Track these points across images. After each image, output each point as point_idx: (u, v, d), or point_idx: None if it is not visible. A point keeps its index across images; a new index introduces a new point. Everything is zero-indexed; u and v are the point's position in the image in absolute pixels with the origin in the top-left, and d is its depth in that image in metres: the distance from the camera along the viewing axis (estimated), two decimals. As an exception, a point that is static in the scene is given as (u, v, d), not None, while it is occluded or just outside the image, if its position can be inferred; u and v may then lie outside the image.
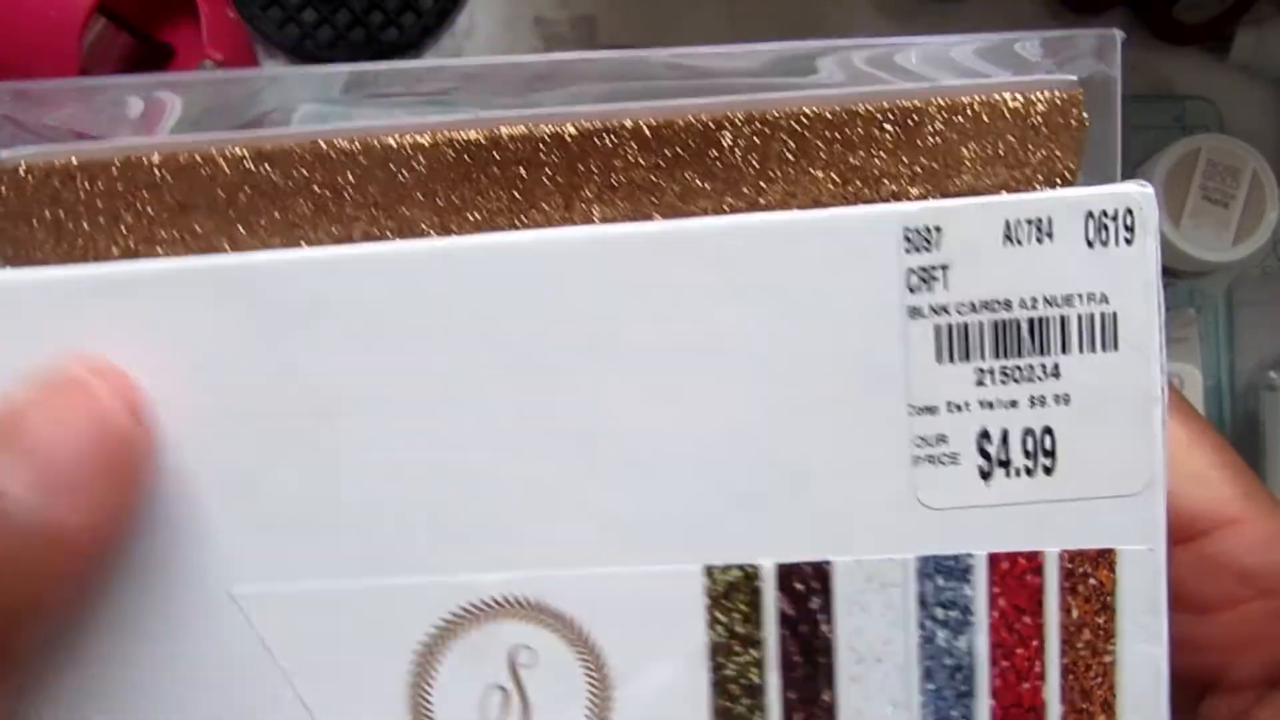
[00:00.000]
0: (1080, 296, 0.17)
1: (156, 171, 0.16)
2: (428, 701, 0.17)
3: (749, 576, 0.17)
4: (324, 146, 0.16)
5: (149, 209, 0.16)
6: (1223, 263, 0.40)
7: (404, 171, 0.16)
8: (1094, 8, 0.48)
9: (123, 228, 0.16)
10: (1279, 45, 0.47)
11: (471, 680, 0.16)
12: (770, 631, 0.17)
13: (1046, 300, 0.16)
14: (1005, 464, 0.17)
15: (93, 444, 0.15)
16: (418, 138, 0.16)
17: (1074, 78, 0.18)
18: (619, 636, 0.17)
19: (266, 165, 0.16)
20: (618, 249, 0.16)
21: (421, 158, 0.16)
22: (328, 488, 0.16)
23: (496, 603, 0.16)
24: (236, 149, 0.16)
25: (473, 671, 0.16)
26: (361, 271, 0.16)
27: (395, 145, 0.16)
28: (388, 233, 0.16)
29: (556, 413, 0.16)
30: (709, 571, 0.17)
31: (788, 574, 0.17)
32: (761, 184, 0.17)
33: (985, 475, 0.17)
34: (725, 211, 0.17)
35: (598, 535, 0.16)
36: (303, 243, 0.16)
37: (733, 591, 0.17)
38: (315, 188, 0.16)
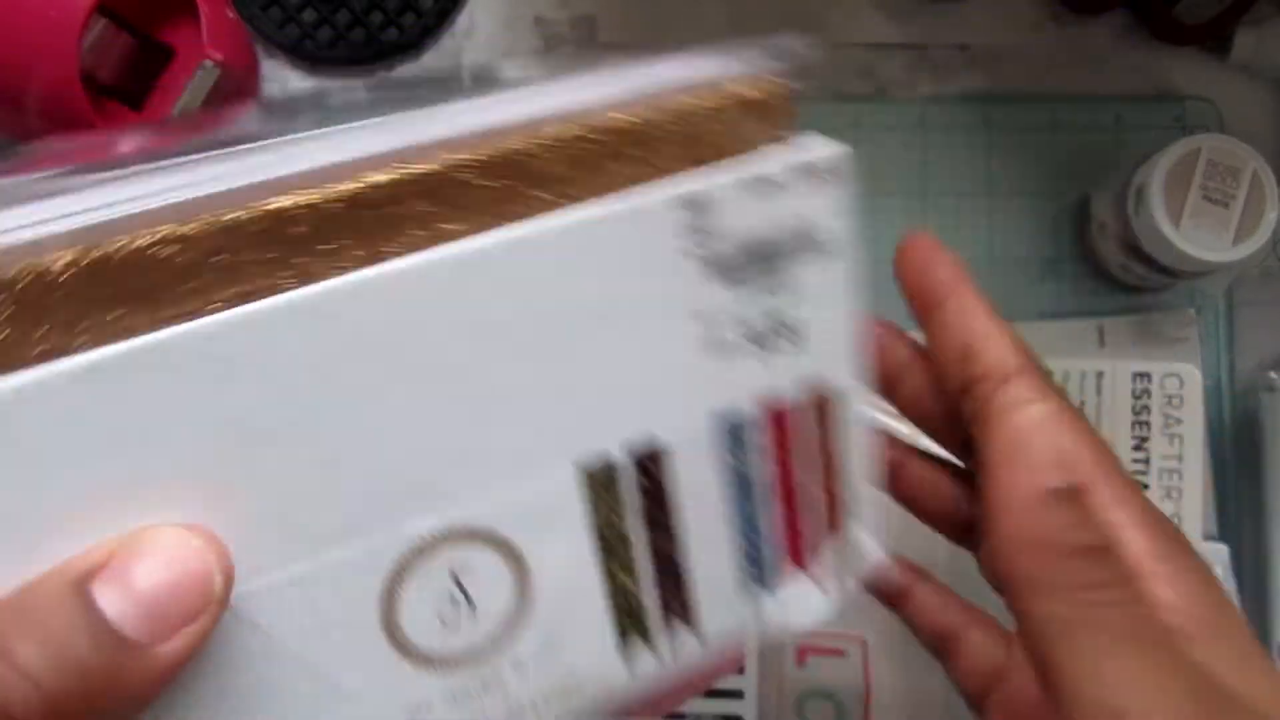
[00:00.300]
0: (804, 225, 0.24)
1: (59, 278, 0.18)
2: (398, 624, 0.21)
3: (608, 466, 0.22)
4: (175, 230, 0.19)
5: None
6: (1223, 263, 0.40)
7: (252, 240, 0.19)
8: (1094, 8, 0.48)
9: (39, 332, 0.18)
10: (1279, 45, 0.47)
11: (428, 600, 0.21)
12: (631, 493, 0.23)
13: (779, 230, 0.23)
14: (761, 342, 0.23)
15: (189, 591, 0.18)
16: (267, 205, 0.19)
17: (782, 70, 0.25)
18: (528, 534, 0.22)
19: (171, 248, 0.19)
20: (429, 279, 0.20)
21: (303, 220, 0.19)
22: (281, 489, 0.20)
23: (435, 537, 0.21)
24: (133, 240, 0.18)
25: (427, 594, 0.21)
26: (262, 327, 0.19)
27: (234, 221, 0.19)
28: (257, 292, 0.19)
29: (439, 402, 0.21)
30: (577, 465, 0.22)
31: (633, 456, 0.23)
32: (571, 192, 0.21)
33: (757, 353, 0.23)
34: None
35: (493, 468, 0.21)
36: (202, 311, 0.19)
37: (599, 475, 0.22)
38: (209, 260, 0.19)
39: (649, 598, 0.24)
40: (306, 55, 0.47)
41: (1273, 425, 0.44)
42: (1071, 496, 0.24)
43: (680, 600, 0.24)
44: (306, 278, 0.19)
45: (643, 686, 0.24)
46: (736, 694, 0.43)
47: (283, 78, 0.48)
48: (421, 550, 0.21)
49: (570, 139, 0.21)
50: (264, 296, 0.19)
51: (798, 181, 0.23)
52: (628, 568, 0.23)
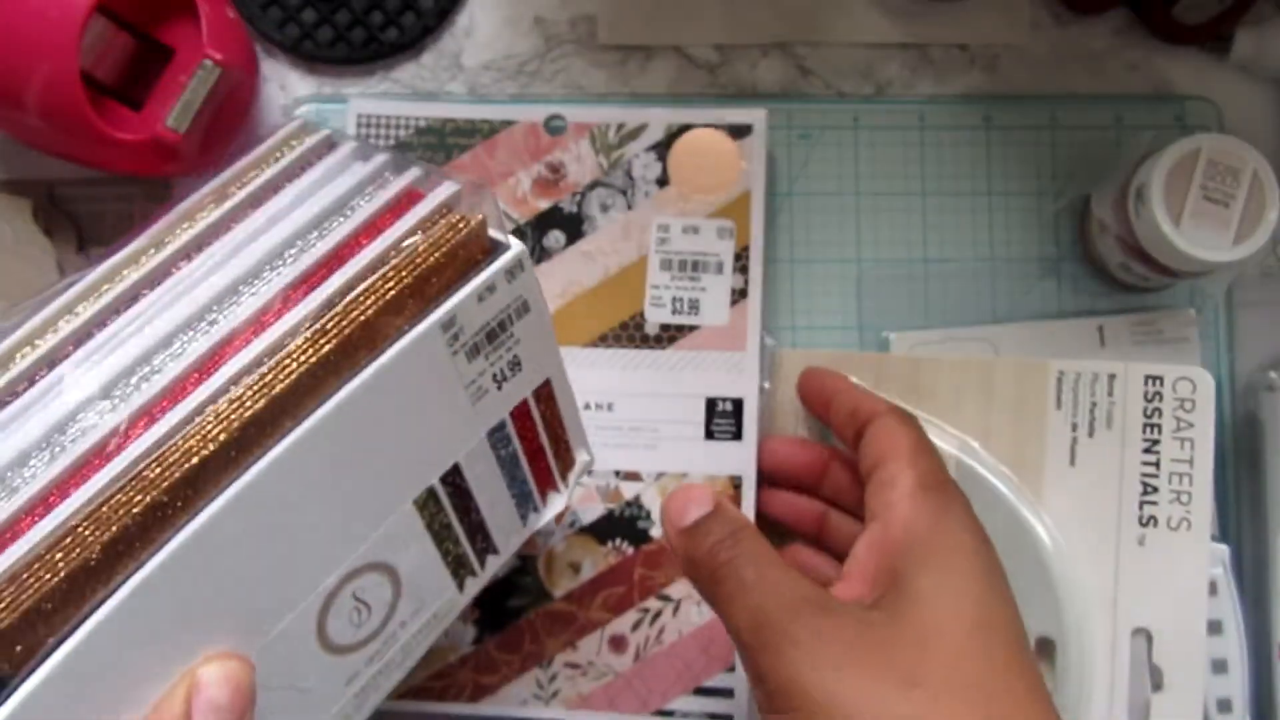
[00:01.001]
0: (516, 301, 0.32)
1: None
2: (329, 639, 0.31)
3: (430, 492, 0.33)
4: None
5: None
6: (1223, 262, 0.40)
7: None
8: (1094, 8, 0.48)
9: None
10: (1279, 45, 0.47)
11: (343, 616, 0.31)
12: (445, 499, 0.33)
13: (503, 310, 0.32)
14: (503, 379, 0.33)
15: (246, 695, 0.27)
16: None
17: (455, 189, 0.31)
18: (393, 552, 0.32)
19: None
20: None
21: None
22: (243, 612, 0.29)
23: (340, 580, 0.31)
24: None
25: (342, 614, 0.31)
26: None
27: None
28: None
29: (324, 508, 0.30)
30: (414, 502, 0.32)
31: (444, 479, 0.33)
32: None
33: (503, 385, 0.34)
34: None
35: (365, 527, 0.31)
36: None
37: (426, 500, 0.33)
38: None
39: (468, 550, 0.35)
40: (306, 55, 0.47)
41: (1273, 425, 0.44)
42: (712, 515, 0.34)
43: (487, 542, 0.36)
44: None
45: (471, 595, 0.37)
46: (726, 692, 0.43)
47: (283, 77, 0.48)
48: (334, 592, 0.31)
49: (354, 327, 0.29)
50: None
51: (505, 277, 0.31)
52: (454, 540, 0.34)
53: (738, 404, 0.44)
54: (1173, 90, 0.48)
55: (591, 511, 0.44)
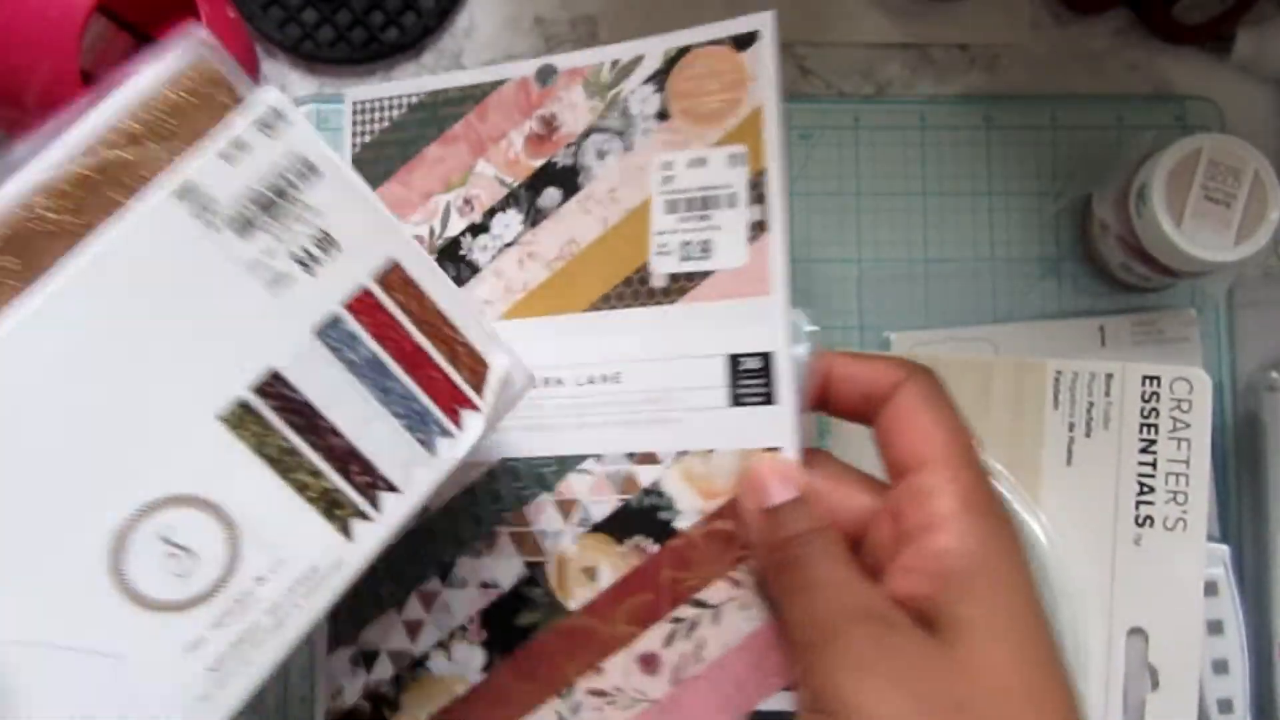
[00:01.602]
0: (291, 160, 0.28)
1: None
2: (136, 591, 0.27)
3: (243, 407, 0.28)
4: None
5: None
6: (1224, 262, 0.40)
7: None
8: (1094, 8, 0.48)
9: None
10: (1279, 45, 0.47)
11: (152, 564, 0.27)
12: (272, 417, 0.28)
13: (270, 174, 0.28)
14: (311, 260, 0.29)
15: None
16: None
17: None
18: (209, 484, 0.28)
19: None
20: None
21: None
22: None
23: (129, 520, 0.27)
24: None
25: (148, 560, 0.27)
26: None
27: None
28: None
29: (79, 426, 0.26)
30: (220, 418, 0.28)
31: (259, 389, 0.28)
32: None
33: (314, 269, 0.29)
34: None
35: (150, 449, 0.27)
36: None
37: (240, 417, 0.28)
38: None
39: (341, 486, 0.30)
40: (307, 55, 0.47)
41: (1274, 425, 0.44)
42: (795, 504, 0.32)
43: (372, 476, 0.30)
44: None
45: (372, 547, 0.30)
46: (785, 718, 0.40)
47: (283, 77, 0.48)
48: (127, 530, 0.27)
49: (61, 189, 0.26)
50: None
51: (259, 131, 0.28)
52: (310, 472, 0.29)
53: (765, 359, 0.35)
54: (1173, 90, 0.48)
55: (603, 505, 0.37)
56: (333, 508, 0.30)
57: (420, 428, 0.31)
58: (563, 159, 0.40)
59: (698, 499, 0.35)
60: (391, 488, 0.31)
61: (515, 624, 0.37)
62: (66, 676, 0.26)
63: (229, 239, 0.28)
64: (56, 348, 0.26)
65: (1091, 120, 0.47)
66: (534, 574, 0.37)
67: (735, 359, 0.36)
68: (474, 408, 0.32)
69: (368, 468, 0.30)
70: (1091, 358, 0.45)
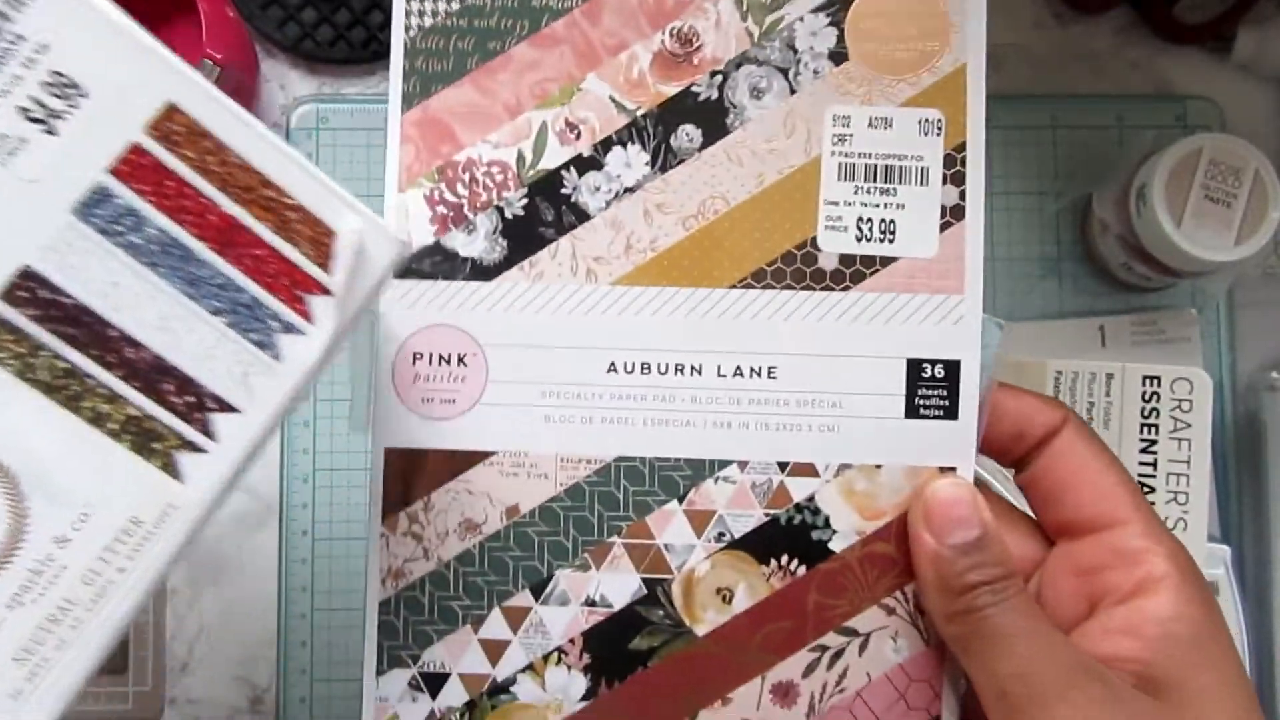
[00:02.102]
0: None
1: None
2: None
3: None
4: None
5: None
6: (1225, 262, 0.40)
7: None
8: (1095, 7, 0.48)
9: None
10: (1281, 45, 0.47)
11: None
12: (41, 334, 0.22)
13: None
14: (46, 114, 0.22)
15: None
16: None
17: None
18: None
19: None
20: None
21: None
22: None
23: None
24: None
25: None
26: None
27: None
28: None
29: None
30: None
31: (9, 295, 0.22)
32: None
33: (55, 126, 0.22)
34: None
35: None
36: None
37: None
38: None
39: (158, 411, 0.23)
40: (306, 54, 0.47)
41: (1274, 425, 0.44)
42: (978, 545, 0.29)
43: (196, 395, 0.24)
44: None
45: (212, 487, 0.24)
46: None
47: (283, 77, 0.48)
48: None
49: None
50: None
51: None
52: (106, 398, 0.23)
53: (951, 368, 0.32)
54: (1174, 90, 0.48)
55: (747, 519, 0.32)
56: (147, 440, 0.24)
57: (251, 325, 0.24)
58: (705, 90, 0.33)
59: (857, 518, 0.31)
60: (227, 407, 0.24)
61: (627, 648, 0.32)
62: None
63: None
64: None
65: (1092, 120, 0.47)
66: (654, 593, 0.32)
67: (917, 364, 0.32)
68: (324, 290, 0.25)
69: (187, 384, 0.24)
70: (1092, 358, 0.45)
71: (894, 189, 0.32)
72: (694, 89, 0.32)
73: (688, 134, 0.32)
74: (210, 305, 0.24)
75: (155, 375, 0.23)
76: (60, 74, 0.22)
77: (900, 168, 0.32)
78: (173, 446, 0.24)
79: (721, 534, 0.32)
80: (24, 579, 0.23)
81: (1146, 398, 0.42)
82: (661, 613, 0.32)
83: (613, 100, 0.32)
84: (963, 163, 0.33)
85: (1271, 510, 0.44)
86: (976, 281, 0.32)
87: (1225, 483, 0.46)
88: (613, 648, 0.32)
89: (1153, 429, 0.42)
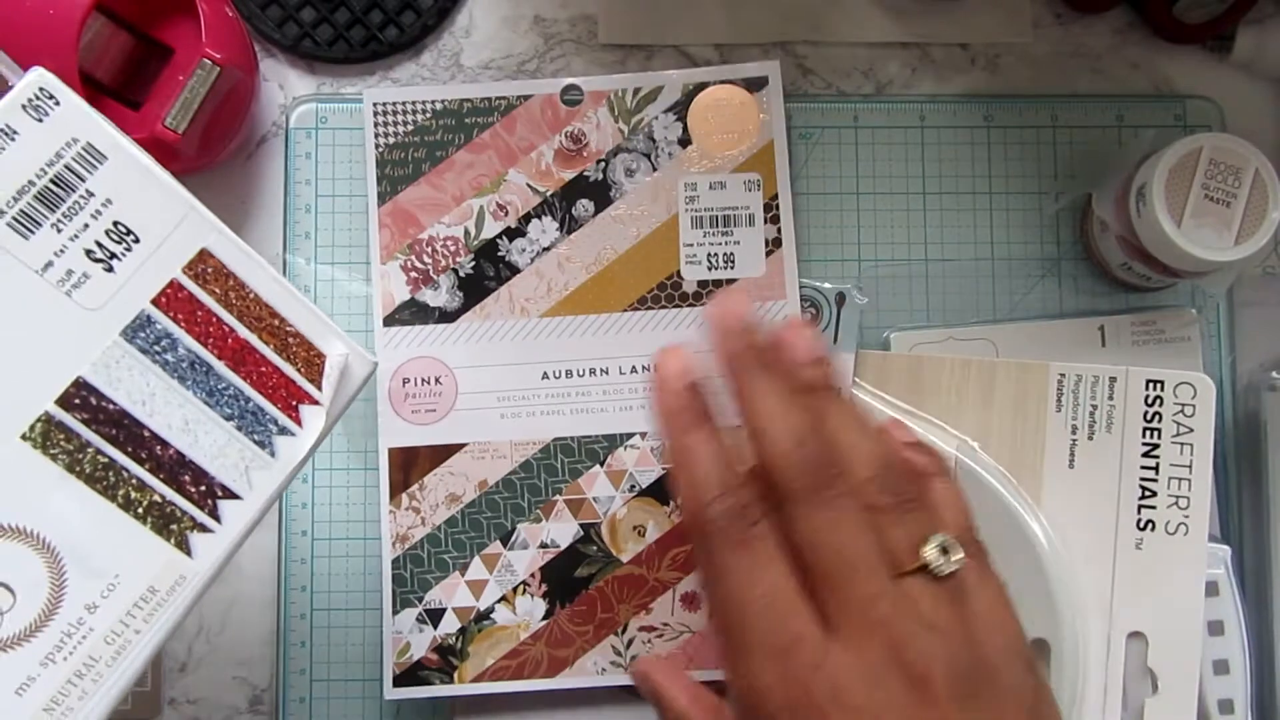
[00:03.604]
0: (68, 149, 0.27)
1: None
2: None
3: (49, 422, 0.26)
4: None
5: None
6: (1225, 262, 0.40)
7: None
8: (1095, 7, 0.48)
9: None
10: (1281, 44, 0.46)
11: None
12: (82, 430, 0.27)
13: (47, 165, 0.26)
14: (106, 255, 0.27)
15: None
16: None
17: None
18: (19, 510, 0.26)
19: None
20: None
21: None
22: None
23: None
24: None
25: None
26: None
27: None
28: None
29: None
30: (24, 438, 0.26)
31: (65, 402, 0.27)
32: None
33: (113, 264, 0.27)
34: None
35: None
36: None
37: (46, 433, 0.26)
38: None
39: (174, 498, 0.28)
40: (306, 54, 0.47)
41: (1274, 425, 0.44)
42: None
43: (207, 484, 0.29)
44: None
45: (216, 561, 0.29)
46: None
47: (282, 76, 0.48)
48: None
49: None
50: None
51: (27, 114, 0.26)
52: (135, 486, 0.28)
53: None
54: (1174, 89, 0.48)
55: (650, 474, 0.45)
56: (166, 522, 0.28)
57: (255, 428, 0.30)
58: (593, 173, 0.46)
59: None
60: (231, 495, 0.29)
61: (573, 576, 0.44)
62: None
63: (10, 240, 0.26)
64: None
65: (1092, 120, 0.47)
66: (589, 534, 0.44)
67: None
68: (313, 402, 0.30)
69: (201, 476, 0.29)
70: (1092, 358, 0.44)
71: (731, 231, 0.45)
72: (585, 173, 0.46)
73: (584, 206, 0.46)
74: (224, 412, 0.29)
75: (178, 469, 0.28)
76: (120, 223, 0.27)
77: (734, 215, 0.45)
78: (187, 528, 0.28)
79: (633, 486, 0.45)
80: (57, 640, 0.26)
81: (1149, 402, 0.42)
82: (595, 548, 0.44)
83: (529, 186, 0.45)
84: (777, 208, 0.46)
85: (1271, 510, 0.44)
86: (793, 289, 0.45)
87: (1225, 482, 0.46)
88: (562, 577, 0.44)
89: (1155, 433, 0.42)
